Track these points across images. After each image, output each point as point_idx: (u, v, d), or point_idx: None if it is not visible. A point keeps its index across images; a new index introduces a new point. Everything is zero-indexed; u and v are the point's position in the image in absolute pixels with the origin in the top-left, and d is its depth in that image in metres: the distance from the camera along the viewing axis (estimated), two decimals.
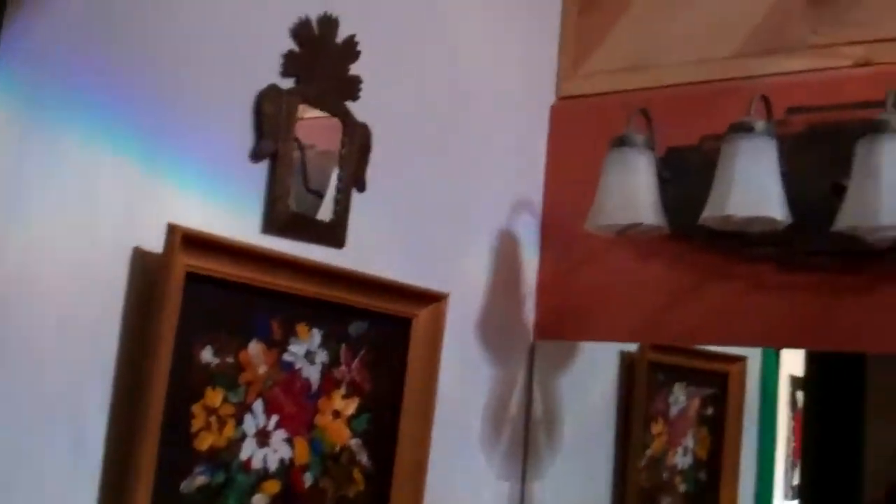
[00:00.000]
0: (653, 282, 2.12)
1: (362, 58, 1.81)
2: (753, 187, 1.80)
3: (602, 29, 2.32)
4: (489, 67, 2.17)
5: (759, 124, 1.84)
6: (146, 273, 1.45)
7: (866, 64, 1.97)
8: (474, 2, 2.14)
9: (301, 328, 1.66)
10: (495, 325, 2.15)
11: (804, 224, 1.84)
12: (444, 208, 2.03)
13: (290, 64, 1.68)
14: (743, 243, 1.97)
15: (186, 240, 1.44)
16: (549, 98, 2.34)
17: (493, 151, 2.17)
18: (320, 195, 1.74)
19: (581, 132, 2.26)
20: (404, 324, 1.84)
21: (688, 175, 2.02)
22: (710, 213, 1.84)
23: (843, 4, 2.04)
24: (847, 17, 2.03)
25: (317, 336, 1.69)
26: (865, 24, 2.00)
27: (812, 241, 1.89)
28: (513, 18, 2.26)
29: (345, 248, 1.77)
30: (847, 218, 1.72)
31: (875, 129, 1.72)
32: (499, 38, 2.21)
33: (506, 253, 2.19)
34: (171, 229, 1.43)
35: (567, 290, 2.23)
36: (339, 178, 1.76)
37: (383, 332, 1.80)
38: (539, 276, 2.26)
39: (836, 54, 2.02)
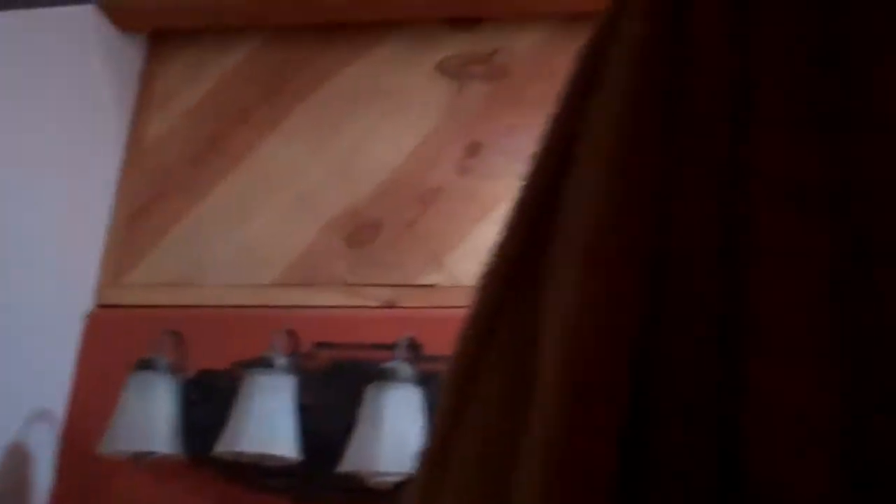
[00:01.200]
0: None
1: None
2: (266, 424, 1.80)
3: (150, 240, 2.29)
4: (22, 268, 2.06)
5: (280, 360, 1.87)
6: None
7: (391, 306, 2.08)
8: (21, 203, 2.04)
9: None
10: None
11: (320, 459, 1.86)
12: None
13: None
14: (261, 474, 1.95)
15: None
16: (87, 305, 2.24)
17: (11, 357, 2.03)
18: None
19: (114, 344, 2.18)
20: None
21: (217, 399, 1.99)
22: (223, 448, 1.82)
23: (377, 247, 2.15)
24: (379, 259, 2.14)
25: None
26: (394, 268, 2.12)
27: (325, 478, 1.91)
28: (57, 218, 2.16)
29: None
30: (350, 462, 1.76)
31: (382, 375, 1.79)
32: (36, 238, 2.10)
33: (13, 472, 2.03)
34: None
35: None
36: None
37: None
38: (52, 499, 2.10)
39: (366, 294, 2.11)
